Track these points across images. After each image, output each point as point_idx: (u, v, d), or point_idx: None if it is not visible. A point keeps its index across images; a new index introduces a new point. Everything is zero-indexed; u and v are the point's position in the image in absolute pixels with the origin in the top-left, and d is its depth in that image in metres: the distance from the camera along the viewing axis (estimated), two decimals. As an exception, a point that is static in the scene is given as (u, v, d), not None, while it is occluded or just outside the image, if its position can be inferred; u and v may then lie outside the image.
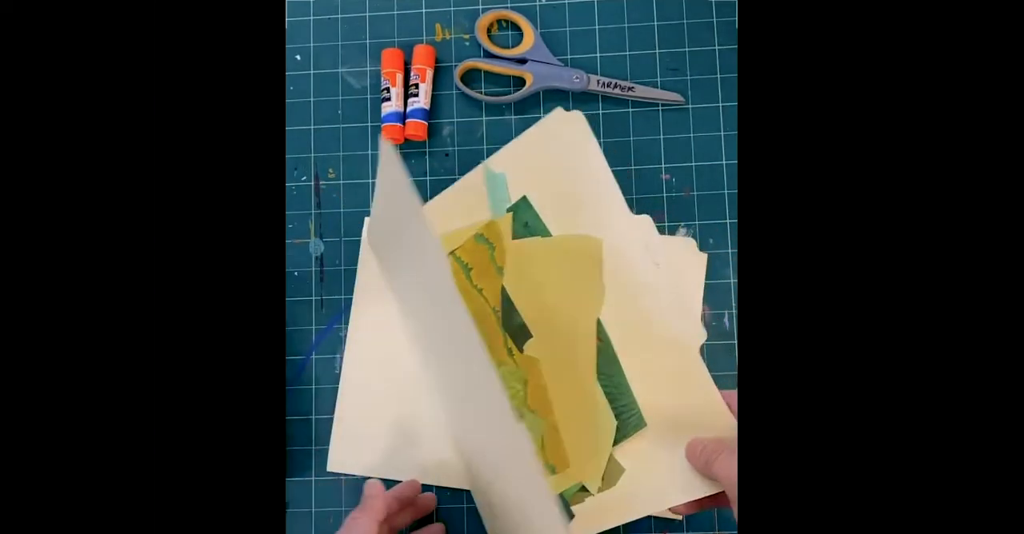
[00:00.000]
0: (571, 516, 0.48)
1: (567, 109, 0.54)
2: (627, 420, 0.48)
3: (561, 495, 0.48)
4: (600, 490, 0.48)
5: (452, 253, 0.52)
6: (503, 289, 0.51)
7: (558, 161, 0.52)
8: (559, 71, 0.54)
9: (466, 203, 0.53)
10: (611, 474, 0.48)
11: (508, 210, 0.52)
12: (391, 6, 0.58)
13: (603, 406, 0.49)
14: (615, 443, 0.48)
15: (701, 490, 0.46)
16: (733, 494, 0.41)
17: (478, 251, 0.52)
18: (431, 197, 0.54)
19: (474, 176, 0.53)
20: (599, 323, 0.50)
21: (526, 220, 0.52)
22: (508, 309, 0.51)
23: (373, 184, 0.55)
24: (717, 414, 0.47)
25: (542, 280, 0.51)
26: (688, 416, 0.47)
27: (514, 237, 0.52)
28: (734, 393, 0.47)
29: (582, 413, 0.49)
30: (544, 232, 0.52)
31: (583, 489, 0.48)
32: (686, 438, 0.46)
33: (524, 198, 0.52)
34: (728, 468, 0.42)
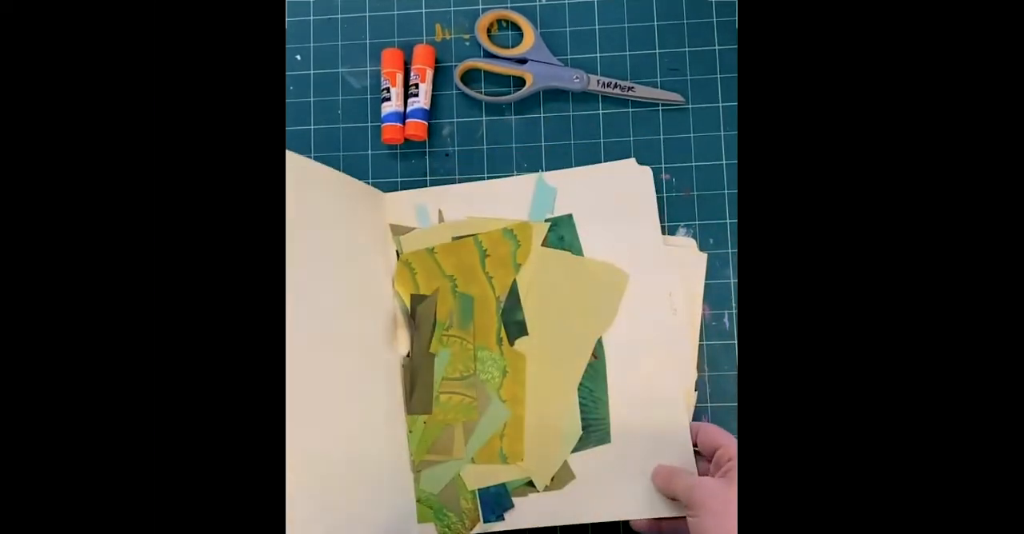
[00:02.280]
0: (511, 506, 0.49)
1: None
2: (592, 433, 0.50)
3: (505, 484, 0.50)
4: (546, 489, 0.49)
5: (474, 236, 0.53)
6: (514, 283, 0.52)
7: (612, 199, 0.53)
8: (559, 71, 0.54)
9: (507, 200, 0.53)
10: (560, 478, 0.49)
11: (547, 221, 0.53)
12: (391, 6, 0.58)
13: (573, 414, 0.50)
14: (574, 451, 0.49)
15: (650, 511, 0.48)
16: (690, 511, 0.43)
17: (502, 243, 0.52)
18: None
19: (525, 181, 0.54)
20: (600, 342, 0.51)
21: (563, 234, 0.52)
22: (512, 304, 0.52)
23: (373, 184, 0.55)
24: (682, 448, 0.49)
25: (557, 290, 0.52)
26: (652, 443, 0.49)
27: (544, 245, 0.52)
28: (704, 425, 0.49)
29: (550, 415, 0.50)
30: (577, 251, 0.52)
31: (530, 484, 0.50)
32: (644, 461, 0.48)
33: (570, 216, 0.53)
34: (684, 483, 0.45)
